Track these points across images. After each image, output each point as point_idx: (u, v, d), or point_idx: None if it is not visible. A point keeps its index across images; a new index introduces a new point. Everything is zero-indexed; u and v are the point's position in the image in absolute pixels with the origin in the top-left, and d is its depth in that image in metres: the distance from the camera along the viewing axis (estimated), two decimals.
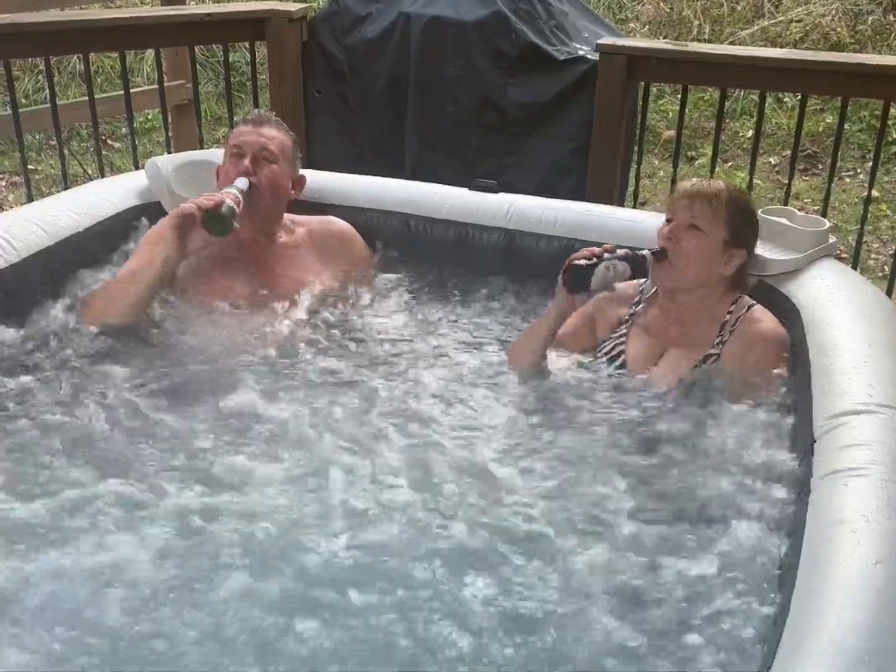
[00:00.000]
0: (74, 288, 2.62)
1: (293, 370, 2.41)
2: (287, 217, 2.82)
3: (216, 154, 2.89)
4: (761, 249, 2.54)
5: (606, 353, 2.49)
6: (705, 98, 6.15)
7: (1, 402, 2.24)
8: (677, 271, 2.38)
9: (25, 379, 2.32)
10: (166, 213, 2.74)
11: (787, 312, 2.43)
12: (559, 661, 1.59)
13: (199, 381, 2.34)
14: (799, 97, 3.90)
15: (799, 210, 2.79)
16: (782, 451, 2.06)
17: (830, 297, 2.41)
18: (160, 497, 1.93)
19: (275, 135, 2.72)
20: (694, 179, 2.50)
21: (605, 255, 2.32)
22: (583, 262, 2.31)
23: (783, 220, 2.66)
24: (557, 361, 2.48)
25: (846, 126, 3.93)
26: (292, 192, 2.80)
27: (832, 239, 2.66)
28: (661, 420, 2.23)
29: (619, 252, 2.35)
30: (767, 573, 1.72)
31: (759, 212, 2.56)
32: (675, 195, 2.45)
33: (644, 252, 2.36)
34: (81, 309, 2.53)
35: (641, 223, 2.79)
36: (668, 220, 2.42)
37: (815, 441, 1.91)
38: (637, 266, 2.36)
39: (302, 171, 2.87)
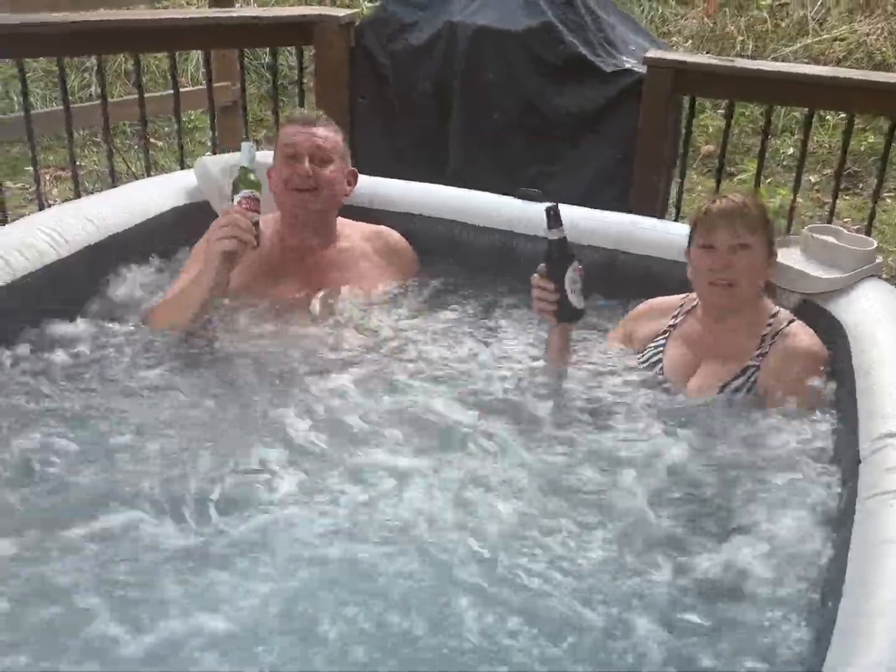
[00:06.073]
0: (123, 283, 2.66)
1: (344, 377, 2.41)
2: (340, 221, 2.84)
3: (265, 155, 2.91)
4: (807, 267, 2.53)
5: (644, 363, 2.50)
6: (746, 114, 6.12)
7: (53, 392, 2.26)
8: (740, 293, 2.35)
9: (75, 371, 2.36)
10: (216, 213, 2.76)
11: (833, 331, 2.42)
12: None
13: (252, 386, 2.36)
14: (843, 115, 3.87)
15: None
16: (826, 471, 2.05)
17: (877, 316, 2.40)
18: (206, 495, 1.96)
19: (326, 133, 2.72)
20: (713, 199, 2.42)
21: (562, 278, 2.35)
22: (554, 297, 2.36)
23: (830, 239, 2.65)
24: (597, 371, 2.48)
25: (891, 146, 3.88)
26: (348, 187, 2.81)
27: (879, 259, 2.64)
28: (698, 434, 2.21)
29: (549, 269, 2.37)
30: (811, 593, 1.71)
31: (806, 229, 2.55)
32: (705, 218, 2.37)
33: (547, 233, 2.36)
34: (148, 318, 2.56)
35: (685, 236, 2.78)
36: (706, 246, 2.36)
37: (860, 462, 1.90)
38: (565, 248, 2.37)
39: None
